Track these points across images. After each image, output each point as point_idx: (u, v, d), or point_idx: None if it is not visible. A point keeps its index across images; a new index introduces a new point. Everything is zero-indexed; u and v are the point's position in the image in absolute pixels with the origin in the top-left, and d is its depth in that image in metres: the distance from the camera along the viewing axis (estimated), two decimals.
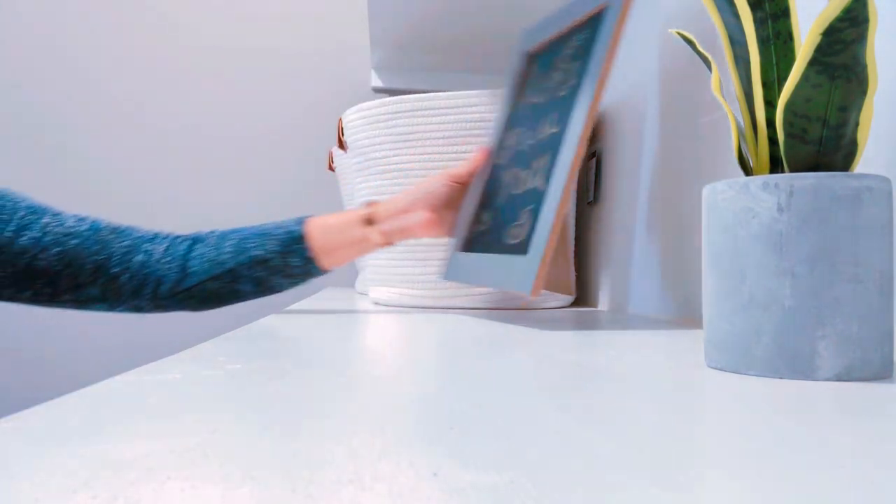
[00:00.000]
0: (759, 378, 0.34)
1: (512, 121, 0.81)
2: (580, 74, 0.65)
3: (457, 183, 0.82)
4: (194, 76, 1.70)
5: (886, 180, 0.34)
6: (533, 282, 0.58)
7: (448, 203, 0.82)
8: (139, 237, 0.80)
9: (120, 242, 0.78)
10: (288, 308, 0.97)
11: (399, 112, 0.94)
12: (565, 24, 0.74)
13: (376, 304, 1.06)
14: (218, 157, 1.71)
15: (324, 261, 0.80)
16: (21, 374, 1.62)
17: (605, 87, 0.61)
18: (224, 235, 0.81)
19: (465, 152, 0.92)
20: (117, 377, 0.32)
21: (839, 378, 0.33)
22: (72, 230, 0.76)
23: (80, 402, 0.26)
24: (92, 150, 1.66)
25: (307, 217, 0.81)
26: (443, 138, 0.92)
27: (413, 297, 0.97)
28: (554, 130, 0.67)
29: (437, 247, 0.93)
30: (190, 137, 1.70)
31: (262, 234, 0.80)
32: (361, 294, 1.36)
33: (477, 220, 0.79)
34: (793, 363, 0.34)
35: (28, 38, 1.65)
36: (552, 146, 0.66)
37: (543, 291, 0.89)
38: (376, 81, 1.66)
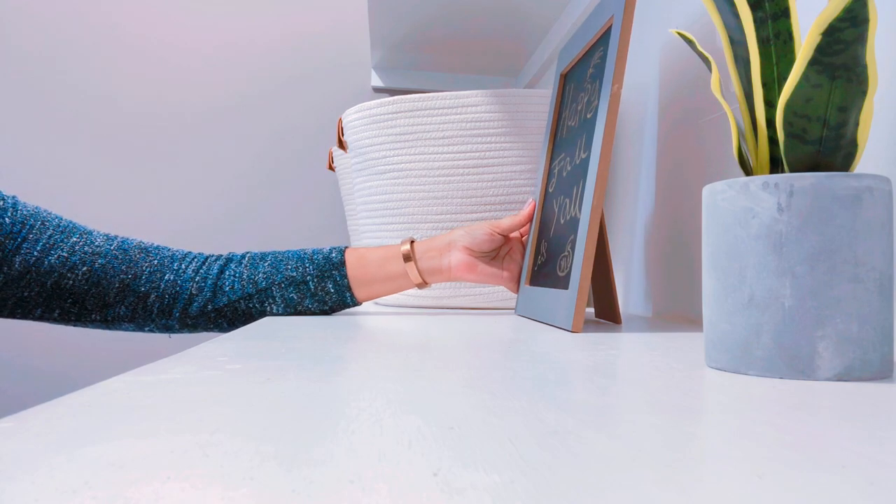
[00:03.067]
0: (759, 378, 0.34)
1: (557, 145, 0.81)
2: (600, 95, 0.64)
3: (498, 234, 0.82)
4: (194, 76, 1.70)
5: (886, 180, 0.34)
6: (573, 318, 0.58)
7: (487, 251, 0.82)
8: (169, 256, 0.79)
9: (149, 262, 0.78)
10: None
11: (399, 112, 0.94)
12: (586, 41, 0.73)
13: (376, 303, 1.06)
14: (218, 157, 1.71)
15: (358, 292, 0.80)
16: (21, 375, 1.62)
17: (618, 104, 0.60)
18: (261, 256, 0.81)
19: (465, 152, 0.92)
20: (117, 377, 0.32)
21: (839, 378, 0.33)
22: (99, 249, 0.76)
23: (80, 403, 0.26)
24: (91, 151, 1.67)
25: (346, 247, 0.82)
26: (443, 138, 0.92)
27: (413, 297, 0.97)
28: (584, 155, 0.66)
29: None
30: (190, 137, 1.70)
31: (299, 257, 0.80)
32: None
33: (537, 250, 0.79)
34: (793, 363, 0.34)
35: (27, 42, 1.65)
36: (583, 172, 0.65)
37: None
38: (376, 81, 1.66)
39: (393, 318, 0.77)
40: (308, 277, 0.78)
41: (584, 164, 0.65)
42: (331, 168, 1.40)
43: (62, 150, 1.66)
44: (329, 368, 0.37)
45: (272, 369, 0.36)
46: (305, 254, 0.80)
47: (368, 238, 1.02)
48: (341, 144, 1.18)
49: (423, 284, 0.81)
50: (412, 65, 1.60)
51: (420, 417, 0.25)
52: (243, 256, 0.81)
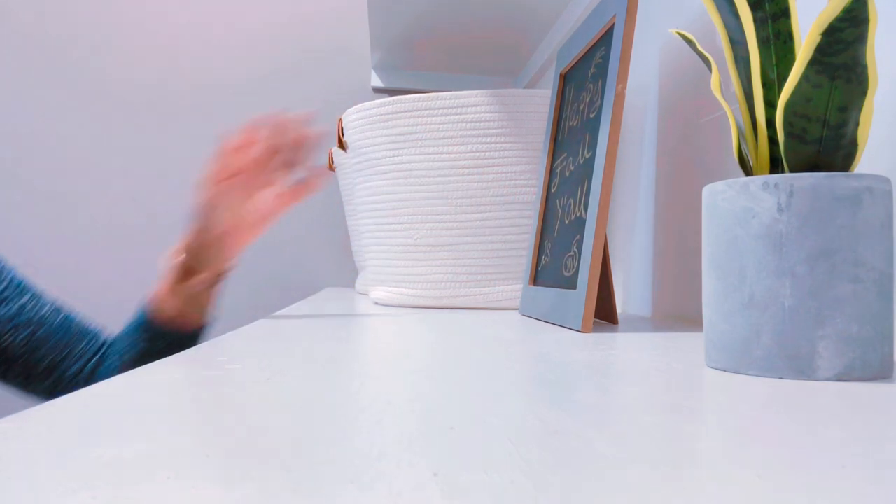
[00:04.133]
0: (759, 378, 0.34)
1: (558, 145, 0.81)
2: (603, 95, 0.64)
3: (216, 184, 0.72)
4: (194, 76, 1.70)
5: (886, 180, 0.34)
6: (582, 318, 0.58)
7: (225, 205, 0.73)
8: (100, 345, 0.80)
9: (82, 346, 0.77)
10: (287, 308, 0.97)
11: (399, 112, 0.94)
12: (587, 40, 0.73)
13: (376, 304, 1.06)
14: None
15: (184, 323, 0.77)
16: None
17: (623, 104, 0.60)
18: (113, 345, 0.81)
19: (465, 152, 0.92)
20: (117, 377, 0.32)
21: (839, 378, 0.33)
22: (45, 319, 0.75)
23: (80, 402, 0.26)
24: (91, 150, 1.67)
25: (148, 299, 0.79)
26: (443, 138, 0.92)
27: (413, 297, 0.97)
28: (588, 155, 0.66)
29: (438, 247, 0.93)
30: (190, 138, 1.70)
31: (125, 334, 0.79)
32: (361, 294, 1.36)
33: (541, 250, 0.79)
34: (793, 363, 0.34)
35: (31, 40, 1.65)
36: (587, 172, 0.65)
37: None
38: (376, 81, 1.66)
39: (392, 318, 0.77)
40: (145, 345, 0.78)
41: (589, 163, 0.65)
42: (331, 168, 1.40)
43: (59, 144, 1.65)
44: (329, 368, 0.37)
45: (272, 369, 0.36)
46: (128, 328, 0.80)
47: (368, 238, 1.02)
48: (341, 144, 1.18)
49: (218, 275, 0.78)
50: (412, 65, 1.60)
51: (420, 417, 0.25)
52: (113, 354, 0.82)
